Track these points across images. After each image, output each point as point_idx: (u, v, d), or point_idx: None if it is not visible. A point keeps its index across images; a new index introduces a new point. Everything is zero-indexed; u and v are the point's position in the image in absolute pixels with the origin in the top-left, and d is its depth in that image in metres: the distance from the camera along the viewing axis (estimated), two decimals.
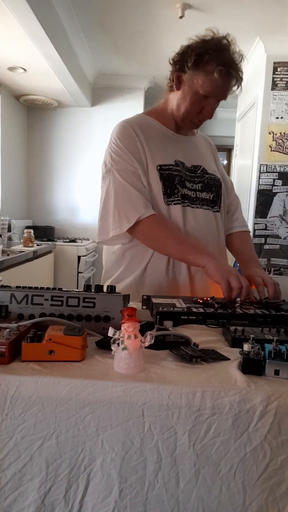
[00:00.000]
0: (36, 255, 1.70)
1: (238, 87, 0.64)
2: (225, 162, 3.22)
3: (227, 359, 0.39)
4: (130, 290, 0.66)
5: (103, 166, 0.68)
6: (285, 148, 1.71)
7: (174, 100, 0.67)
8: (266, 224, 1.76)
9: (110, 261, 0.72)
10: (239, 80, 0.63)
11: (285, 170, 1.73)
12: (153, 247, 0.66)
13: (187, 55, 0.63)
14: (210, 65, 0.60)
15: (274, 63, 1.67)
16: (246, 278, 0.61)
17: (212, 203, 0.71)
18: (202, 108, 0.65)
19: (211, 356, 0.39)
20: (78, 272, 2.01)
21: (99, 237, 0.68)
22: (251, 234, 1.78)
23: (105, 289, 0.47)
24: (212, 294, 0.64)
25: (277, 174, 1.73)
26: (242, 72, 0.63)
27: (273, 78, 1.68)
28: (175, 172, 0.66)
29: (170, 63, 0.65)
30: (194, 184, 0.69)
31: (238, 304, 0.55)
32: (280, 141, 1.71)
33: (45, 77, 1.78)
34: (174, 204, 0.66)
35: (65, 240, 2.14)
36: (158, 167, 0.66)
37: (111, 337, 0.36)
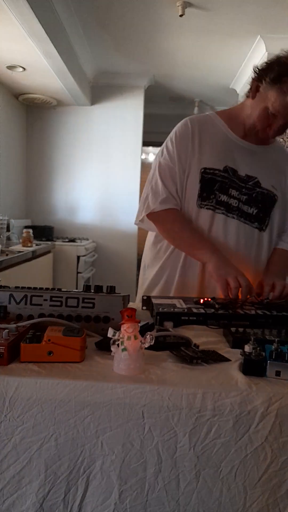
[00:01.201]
0: (35, 255, 1.70)
1: None
2: None
3: (228, 360, 0.39)
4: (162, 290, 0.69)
5: (160, 149, 0.71)
6: (286, 147, 1.70)
7: (248, 107, 0.67)
8: None
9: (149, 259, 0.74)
10: None
11: None
12: (166, 239, 0.70)
13: (272, 68, 0.61)
14: (287, 84, 0.59)
15: None
16: (260, 282, 0.60)
17: (254, 218, 0.68)
18: (269, 125, 0.64)
19: (212, 357, 0.39)
20: (78, 272, 2.00)
21: (136, 219, 0.72)
22: None
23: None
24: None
25: None
26: None
27: None
28: (219, 178, 0.66)
29: (253, 69, 0.64)
30: (240, 194, 0.68)
31: (239, 304, 0.55)
32: (281, 139, 1.70)
33: (45, 76, 1.77)
34: (206, 208, 0.67)
35: (64, 240, 2.13)
36: (203, 170, 0.66)
37: (110, 338, 0.36)
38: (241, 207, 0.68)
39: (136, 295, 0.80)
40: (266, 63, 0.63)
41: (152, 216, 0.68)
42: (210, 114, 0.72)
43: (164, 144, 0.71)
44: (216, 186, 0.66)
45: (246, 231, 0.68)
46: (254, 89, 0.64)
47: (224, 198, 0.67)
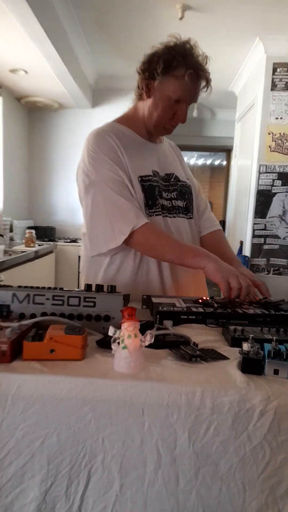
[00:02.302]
0: (37, 255, 1.71)
1: (207, 88, 0.65)
2: (224, 163, 3.22)
3: (226, 358, 0.39)
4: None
5: (84, 177, 0.64)
6: (285, 148, 1.71)
7: (145, 108, 0.67)
8: (265, 224, 1.76)
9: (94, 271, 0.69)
10: (208, 80, 0.64)
11: (284, 170, 1.73)
12: (150, 255, 0.66)
13: (154, 62, 0.63)
14: (179, 69, 0.61)
15: (274, 63, 1.68)
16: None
17: (186, 210, 0.71)
18: (175, 113, 0.65)
19: (211, 356, 0.39)
20: (79, 272, 2.01)
21: (92, 251, 0.66)
22: (250, 234, 1.79)
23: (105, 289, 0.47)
24: (194, 291, 0.66)
25: (276, 174, 1.73)
26: (209, 73, 0.64)
27: (272, 78, 1.69)
28: (155, 183, 0.67)
29: (137, 72, 0.66)
30: (169, 193, 0.69)
31: (238, 303, 0.55)
32: (280, 141, 1.71)
33: (46, 79, 1.79)
34: (156, 215, 0.66)
35: (66, 240, 2.15)
36: (140, 178, 0.65)
37: (111, 336, 0.36)
38: (175, 204, 0.69)
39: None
40: (144, 62, 0.65)
41: (129, 239, 0.60)
42: (110, 123, 0.70)
43: (89, 167, 0.63)
44: (156, 192, 0.66)
45: (186, 225, 0.70)
46: (147, 88, 0.65)
47: (163, 201, 0.67)
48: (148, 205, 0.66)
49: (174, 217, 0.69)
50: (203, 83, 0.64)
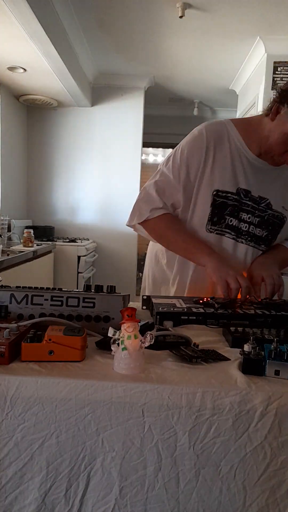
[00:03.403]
0: (36, 255, 1.70)
1: None
2: None
3: (227, 359, 0.39)
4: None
5: (169, 153, 0.67)
6: None
7: (266, 128, 0.62)
8: None
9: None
10: None
11: None
12: (161, 244, 0.69)
13: None
14: None
15: (275, 62, 1.67)
16: (249, 275, 0.60)
17: (262, 241, 0.67)
18: (287, 151, 0.60)
19: (211, 357, 0.39)
20: (78, 272, 2.01)
21: (128, 222, 0.70)
22: None
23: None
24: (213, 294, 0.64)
25: None
26: None
27: (273, 77, 1.68)
28: (231, 202, 0.64)
29: (277, 90, 0.60)
30: (253, 216, 0.65)
31: (238, 304, 0.55)
32: None
33: (45, 77, 1.77)
34: (216, 233, 0.65)
35: (65, 240, 2.14)
36: (215, 192, 0.63)
37: (111, 337, 0.36)
38: (252, 231, 0.66)
39: (136, 293, 0.78)
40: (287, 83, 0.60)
41: (144, 223, 0.66)
42: (226, 122, 0.66)
43: (173, 152, 0.66)
44: (227, 210, 0.64)
45: (254, 255, 0.67)
46: (275, 111, 0.60)
47: (234, 222, 0.64)
48: (212, 221, 0.64)
49: (242, 242, 0.65)
50: None
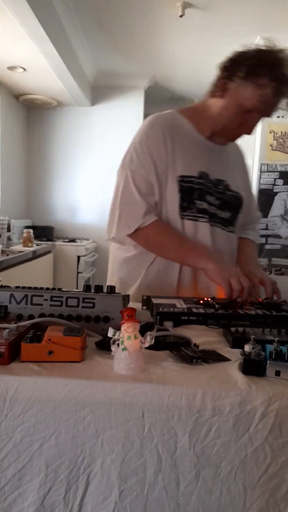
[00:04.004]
0: (35, 255, 1.70)
1: (285, 105, 0.59)
2: None
3: (227, 360, 0.39)
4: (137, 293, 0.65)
5: (124, 157, 0.65)
6: (286, 147, 1.70)
7: (216, 107, 0.62)
8: (267, 224, 1.76)
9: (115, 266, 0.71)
10: None
11: (286, 169, 1.72)
12: (155, 253, 0.66)
13: (239, 63, 0.58)
14: (263, 78, 0.56)
15: None
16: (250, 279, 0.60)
17: (227, 222, 0.68)
18: (244, 122, 0.61)
19: (212, 357, 0.39)
20: (78, 272, 2.01)
21: (106, 235, 0.68)
22: None
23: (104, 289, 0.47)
24: (216, 294, 0.64)
25: (278, 173, 1.73)
26: None
27: None
28: (197, 185, 0.63)
29: (219, 67, 0.60)
30: (215, 199, 0.66)
31: (239, 304, 0.55)
32: (281, 140, 1.70)
33: (45, 77, 1.77)
34: (188, 219, 0.64)
35: (64, 240, 2.14)
36: (179, 179, 0.62)
37: (111, 338, 0.36)
38: (217, 213, 0.66)
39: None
40: (230, 59, 0.60)
41: (134, 233, 0.62)
42: (173, 112, 0.66)
43: (131, 150, 0.64)
44: (195, 194, 0.63)
45: (225, 237, 0.67)
46: (222, 87, 0.60)
47: (204, 205, 0.64)
48: (182, 207, 0.63)
49: (217, 225, 0.65)
50: (284, 101, 0.58)
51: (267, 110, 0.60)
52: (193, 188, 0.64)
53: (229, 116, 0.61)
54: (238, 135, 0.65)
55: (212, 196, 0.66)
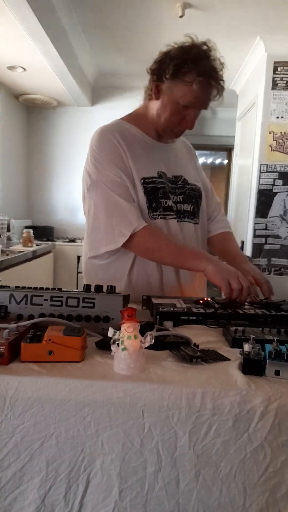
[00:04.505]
0: (35, 255, 1.70)
1: (219, 97, 0.62)
2: (225, 161, 3.22)
3: (227, 359, 0.39)
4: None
5: (87, 177, 0.65)
6: (286, 148, 1.71)
7: (154, 109, 0.65)
8: (266, 224, 1.76)
9: (94, 273, 0.70)
10: (220, 90, 0.61)
11: (285, 170, 1.72)
12: (150, 259, 0.66)
13: (165, 64, 0.60)
14: (189, 75, 0.58)
15: (275, 62, 1.67)
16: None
17: (192, 214, 0.69)
18: (183, 118, 0.63)
19: (212, 357, 0.39)
20: (78, 272, 2.01)
21: (90, 252, 0.66)
22: (251, 234, 1.79)
23: (104, 289, 0.47)
24: (200, 293, 0.65)
25: (277, 174, 1.73)
26: (223, 80, 0.61)
27: (273, 77, 1.68)
28: (159, 185, 0.65)
29: (147, 71, 0.63)
30: (176, 196, 0.67)
31: (239, 304, 0.55)
32: (281, 140, 1.70)
33: (45, 77, 1.77)
34: (160, 218, 0.65)
35: (64, 240, 2.14)
36: (142, 180, 0.64)
37: (111, 338, 0.36)
38: (181, 208, 0.67)
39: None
40: (155, 62, 0.62)
41: (129, 240, 0.61)
42: (118, 121, 0.68)
43: (92, 168, 0.63)
44: (160, 194, 0.64)
45: (192, 230, 0.68)
46: (156, 89, 0.63)
47: (169, 203, 0.65)
48: (151, 208, 0.64)
49: (183, 221, 0.67)
50: (214, 92, 0.60)
51: (202, 103, 0.62)
52: (157, 188, 0.65)
53: (167, 116, 0.63)
54: (181, 131, 0.66)
55: (173, 194, 0.67)
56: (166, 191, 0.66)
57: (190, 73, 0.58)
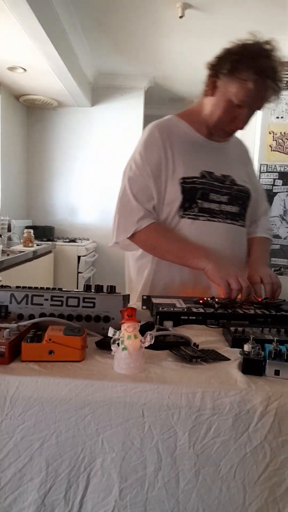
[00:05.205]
0: (36, 255, 1.70)
1: (275, 98, 0.60)
2: None
3: (227, 359, 0.39)
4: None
5: (126, 166, 0.68)
6: (285, 148, 1.71)
7: (208, 105, 0.64)
8: None
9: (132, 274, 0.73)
10: (276, 90, 0.59)
11: (285, 170, 1.72)
12: (153, 255, 0.68)
13: (224, 60, 0.59)
14: (245, 72, 0.57)
15: None
16: (247, 276, 0.60)
17: (237, 216, 0.68)
18: (235, 117, 0.62)
19: (211, 357, 0.39)
20: (78, 272, 2.01)
21: (110, 241, 0.69)
22: None
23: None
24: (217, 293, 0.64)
25: (277, 174, 1.73)
26: (281, 81, 0.58)
27: None
28: (199, 185, 0.65)
29: (207, 66, 0.62)
30: (221, 196, 0.67)
31: (238, 304, 0.55)
32: (281, 140, 1.71)
33: (45, 77, 1.77)
34: (188, 218, 0.65)
35: (65, 240, 2.14)
36: (182, 180, 0.64)
37: (111, 337, 0.36)
38: (224, 209, 0.67)
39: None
40: (217, 57, 0.62)
41: (132, 237, 0.64)
42: (171, 117, 0.69)
43: (132, 158, 0.67)
44: (198, 194, 0.65)
45: (232, 231, 0.68)
46: (212, 85, 0.62)
47: (205, 204, 0.65)
48: (183, 207, 0.64)
49: (219, 221, 0.66)
50: (270, 93, 0.58)
51: (256, 103, 0.61)
52: (196, 188, 0.65)
53: (220, 113, 0.62)
54: (232, 131, 0.66)
55: (218, 194, 0.67)
56: (206, 192, 0.65)
57: (247, 70, 0.57)
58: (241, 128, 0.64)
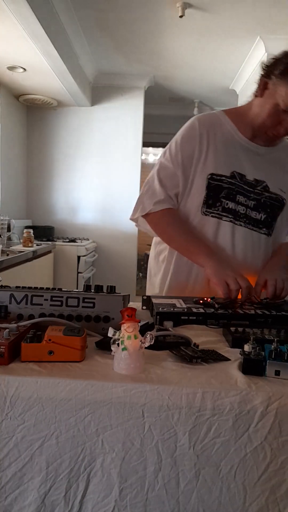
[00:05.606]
0: (35, 255, 1.70)
1: None
2: None
3: (227, 359, 0.39)
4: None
5: (165, 148, 0.70)
6: None
7: (256, 106, 0.63)
8: None
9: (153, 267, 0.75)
10: None
11: None
12: (162, 239, 0.70)
13: (280, 61, 0.58)
14: None
15: None
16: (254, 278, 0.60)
17: (262, 224, 0.66)
18: (279, 122, 0.60)
19: (212, 357, 0.39)
20: (78, 272, 2.01)
21: (131, 215, 0.71)
22: None
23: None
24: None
25: None
26: None
27: None
28: (226, 184, 0.64)
29: (261, 66, 0.61)
30: (248, 200, 0.65)
31: (239, 304, 0.55)
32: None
33: (45, 77, 1.77)
34: (212, 216, 0.65)
35: (64, 240, 2.14)
36: (209, 176, 0.64)
37: (111, 338, 0.36)
38: (249, 214, 0.66)
39: (136, 293, 0.79)
40: (273, 58, 0.60)
41: (147, 217, 0.67)
42: (217, 113, 0.68)
43: (169, 144, 0.69)
44: (223, 193, 0.64)
45: (254, 238, 0.66)
46: (262, 86, 0.61)
47: (231, 205, 0.65)
48: (207, 204, 0.65)
49: (241, 225, 0.65)
50: None
51: None
52: (222, 187, 0.65)
53: (264, 115, 0.61)
54: (275, 136, 0.63)
55: (244, 197, 0.66)
56: (232, 192, 0.64)
57: None
58: (284, 134, 0.62)
